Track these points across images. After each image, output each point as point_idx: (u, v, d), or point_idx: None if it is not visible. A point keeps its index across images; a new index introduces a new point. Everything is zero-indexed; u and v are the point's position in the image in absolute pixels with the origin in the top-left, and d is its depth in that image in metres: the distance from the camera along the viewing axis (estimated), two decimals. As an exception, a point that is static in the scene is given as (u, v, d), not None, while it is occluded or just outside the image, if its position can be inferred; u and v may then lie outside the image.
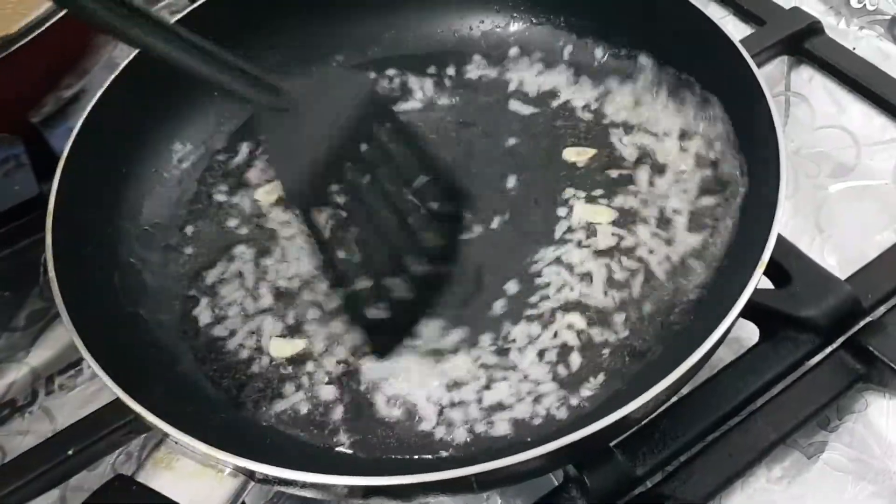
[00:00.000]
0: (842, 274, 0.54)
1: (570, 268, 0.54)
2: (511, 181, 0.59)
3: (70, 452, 0.50)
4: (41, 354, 0.63)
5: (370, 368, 0.51)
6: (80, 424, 0.51)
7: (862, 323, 0.52)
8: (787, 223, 0.62)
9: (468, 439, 0.47)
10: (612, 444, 0.47)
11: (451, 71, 0.66)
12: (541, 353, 0.50)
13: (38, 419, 0.60)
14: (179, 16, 0.62)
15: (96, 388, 0.59)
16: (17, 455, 0.51)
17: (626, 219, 0.56)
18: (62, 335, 0.62)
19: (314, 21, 0.65)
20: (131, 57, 0.58)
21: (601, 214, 0.56)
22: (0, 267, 0.63)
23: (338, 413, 0.49)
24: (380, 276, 0.50)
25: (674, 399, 0.50)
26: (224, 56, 0.45)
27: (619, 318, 0.51)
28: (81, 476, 0.54)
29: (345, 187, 0.48)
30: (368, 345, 0.51)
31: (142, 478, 0.41)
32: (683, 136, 0.59)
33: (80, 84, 0.65)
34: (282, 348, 0.52)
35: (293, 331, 0.53)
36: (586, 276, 0.53)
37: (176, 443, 0.41)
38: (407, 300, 0.50)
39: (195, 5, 0.63)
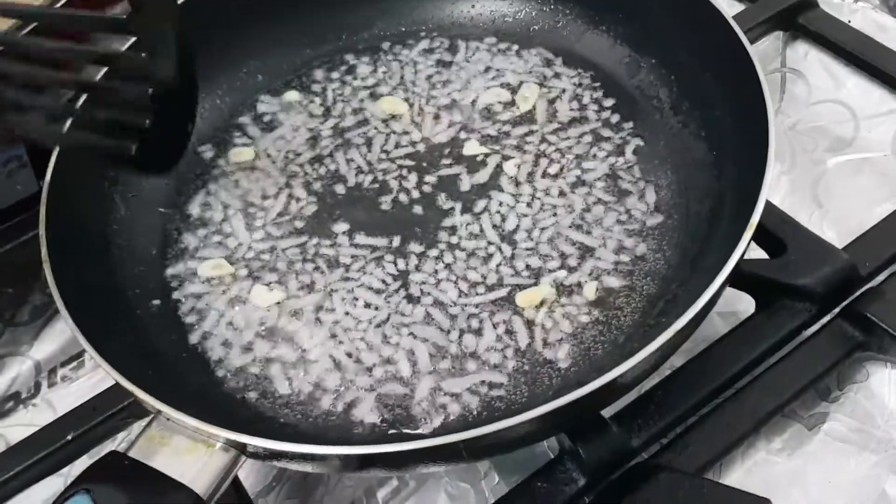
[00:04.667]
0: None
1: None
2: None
3: (69, 437, 0.51)
4: (44, 348, 0.64)
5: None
6: (78, 410, 0.52)
7: (860, 291, 0.52)
8: (784, 199, 0.62)
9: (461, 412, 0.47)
10: (607, 415, 0.47)
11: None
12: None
13: (41, 411, 0.60)
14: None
15: (98, 378, 0.60)
16: (16, 442, 0.52)
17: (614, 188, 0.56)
18: (65, 328, 0.62)
19: (305, 9, 0.66)
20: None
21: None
22: (3, 263, 0.63)
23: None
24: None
25: (668, 371, 0.50)
26: None
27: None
28: (83, 463, 0.55)
29: None
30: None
31: (134, 454, 0.41)
32: (673, 110, 0.59)
33: (77, 81, 0.65)
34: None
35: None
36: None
37: (167, 419, 0.41)
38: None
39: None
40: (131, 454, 0.41)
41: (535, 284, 0.52)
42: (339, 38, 0.68)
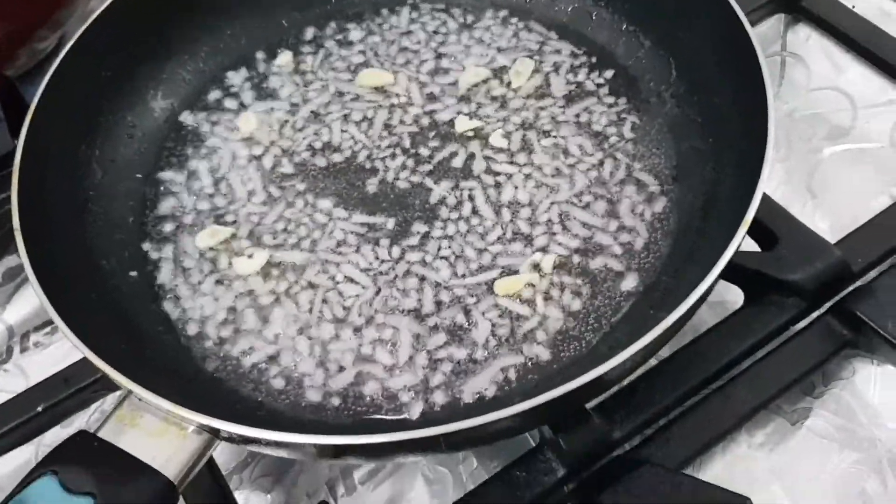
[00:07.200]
0: (834, 240, 0.53)
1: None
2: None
3: (40, 409, 0.50)
4: (17, 311, 0.62)
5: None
6: (50, 381, 0.51)
7: (850, 288, 0.51)
8: (777, 187, 0.61)
9: (444, 401, 0.46)
10: (588, 406, 0.46)
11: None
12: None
13: (12, 377, 0.59)
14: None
15: (71, 345, 0.58)
16: (-15, 412, 0.51)
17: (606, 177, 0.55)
18: (39, 292, 0.61)
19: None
20: (104, 6, 0.56)
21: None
22: (-26, 223, 0.61)
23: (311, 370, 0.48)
24: None
25: (654, 362, 0.49)
26: None
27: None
28: (55, 433, 0.54)
29: None
30: None
31: (104, 434, 0.40)
32: (670, 92, 0.57)
33: (55, 36, 0.63)
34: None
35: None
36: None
37: (139, 400, 0.40)
38: None
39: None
40: (101, 434, 0.40)
41: (517, 272, 0.50)
42: (328, 1, 0.66)
